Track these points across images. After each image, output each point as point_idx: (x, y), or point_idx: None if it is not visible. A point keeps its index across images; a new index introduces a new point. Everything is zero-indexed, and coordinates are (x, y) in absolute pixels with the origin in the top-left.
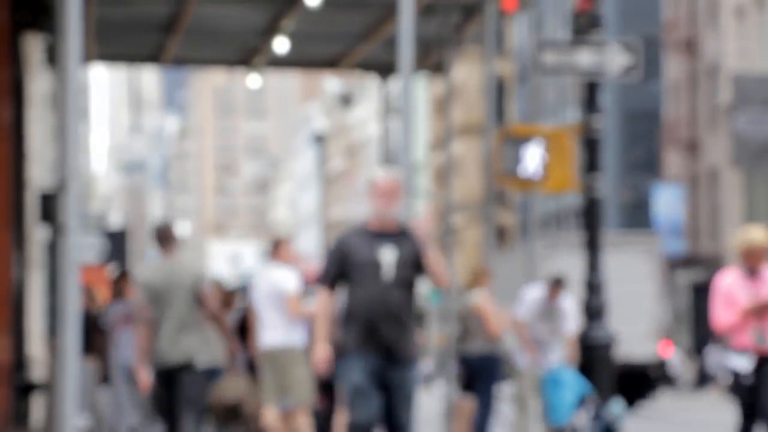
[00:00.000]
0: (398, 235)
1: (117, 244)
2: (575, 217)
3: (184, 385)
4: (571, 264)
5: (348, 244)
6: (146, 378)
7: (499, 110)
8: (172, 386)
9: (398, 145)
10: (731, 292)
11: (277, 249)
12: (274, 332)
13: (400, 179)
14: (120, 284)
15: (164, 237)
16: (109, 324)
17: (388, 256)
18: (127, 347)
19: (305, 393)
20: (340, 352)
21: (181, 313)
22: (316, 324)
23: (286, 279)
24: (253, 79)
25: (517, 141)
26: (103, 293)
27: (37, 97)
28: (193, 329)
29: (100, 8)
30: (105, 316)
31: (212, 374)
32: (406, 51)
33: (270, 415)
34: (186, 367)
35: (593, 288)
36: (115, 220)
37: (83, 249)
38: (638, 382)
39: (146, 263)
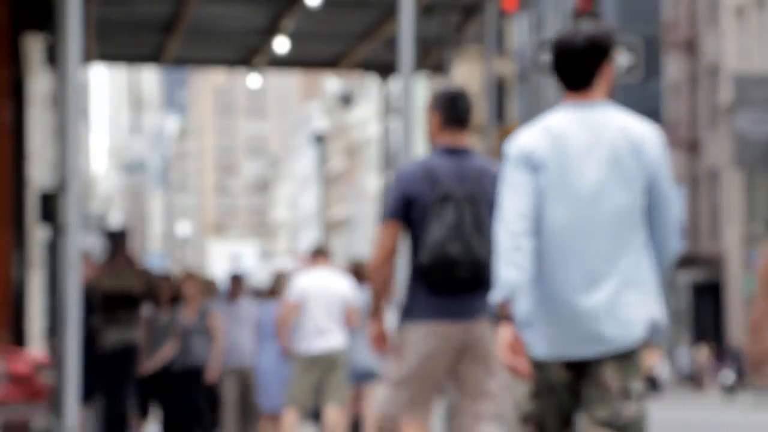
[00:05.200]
0: None
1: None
2: None
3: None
4: None
5: None
6: None
7: (499, 110)
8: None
9: (398, 145)
10: None
11: (320, 255)
12: (331, 336)
13: None
14: None
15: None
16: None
17: None
18: None
19: (345, 394)
20: None
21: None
22: None
23: (351, 291)
24: (253, 79)
25: None
26: None
27: (37, 97)
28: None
29: (100, 8)
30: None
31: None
32: (406, 51)
33: (292, 418)
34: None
35: None
36: (115, 220)
37: (83, 249)
38: None
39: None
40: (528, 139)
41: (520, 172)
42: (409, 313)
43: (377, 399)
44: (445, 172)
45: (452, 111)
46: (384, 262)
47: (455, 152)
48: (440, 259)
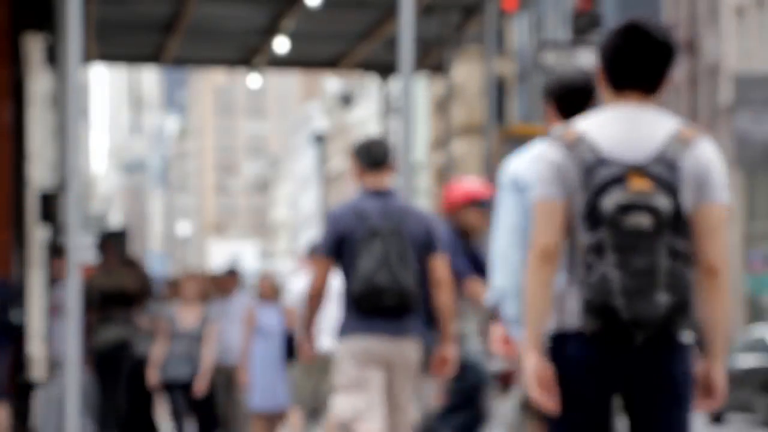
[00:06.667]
0: None
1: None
2: None
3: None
4: None
5: None
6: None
7: (499, 110)
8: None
9: (398, 145)
10: None
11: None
12: (331, 336)
13: None
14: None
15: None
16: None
17: None
18: (59, 340)
19: None
20: None
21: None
22: None
23: None
24: (253, 79)
25: (517, 141)
26: None
27: (37, 97)
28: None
29: (100, 8)
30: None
31: None
32: (406, 51)
33: (299, 417)
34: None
35: None
36: (115, 220)
37: (83, 249)
38: None
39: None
40: (518, 166)
41: (510, 195)
42: (344, 330)
43: (331, 407)
44: (372, 210)
45: (369, 157)
46: (317, 294)
47: (379, 194)
48: (370, 288)
